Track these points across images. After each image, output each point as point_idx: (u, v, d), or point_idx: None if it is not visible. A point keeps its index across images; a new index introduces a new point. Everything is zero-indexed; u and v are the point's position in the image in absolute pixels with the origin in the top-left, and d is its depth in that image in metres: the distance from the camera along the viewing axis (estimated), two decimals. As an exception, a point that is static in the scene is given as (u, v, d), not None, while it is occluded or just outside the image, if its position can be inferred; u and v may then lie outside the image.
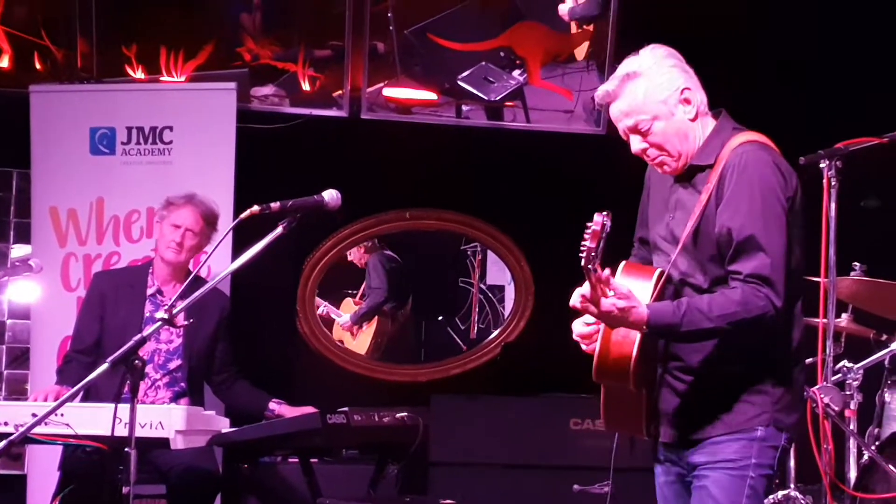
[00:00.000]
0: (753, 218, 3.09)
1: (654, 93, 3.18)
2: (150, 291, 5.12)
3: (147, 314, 5.00)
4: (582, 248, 2.89)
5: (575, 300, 3.04)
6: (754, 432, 3.17)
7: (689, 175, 3.25)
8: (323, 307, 7.39)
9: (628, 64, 3.22)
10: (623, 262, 3.25)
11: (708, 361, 3.20)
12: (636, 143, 3.23)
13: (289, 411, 4.93)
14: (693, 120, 3.21)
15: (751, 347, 3.18)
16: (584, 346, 3.22)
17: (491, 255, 7.30)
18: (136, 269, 5.41)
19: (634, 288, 3.10)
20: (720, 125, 3.26)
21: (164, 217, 5.14)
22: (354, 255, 7.44)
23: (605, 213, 2.90)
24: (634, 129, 3.21)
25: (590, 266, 2.90)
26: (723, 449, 3.18)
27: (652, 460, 3.40)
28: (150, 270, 5.17)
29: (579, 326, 3.21)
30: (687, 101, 3.20)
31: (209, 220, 5.14)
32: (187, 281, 3.77)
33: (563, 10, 6.62)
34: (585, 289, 2.99)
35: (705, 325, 3.05)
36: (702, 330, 3.07)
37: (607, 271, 2.97)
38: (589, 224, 2.90)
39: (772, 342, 3.20)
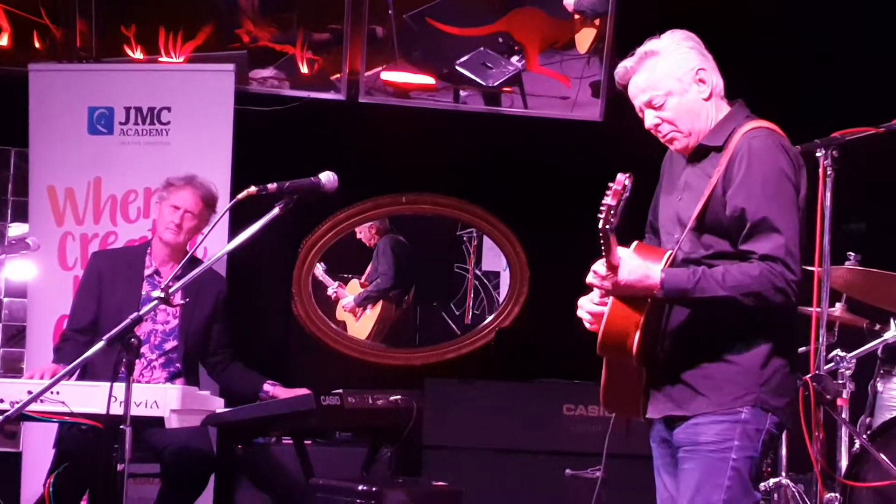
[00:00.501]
0: (767, 200, 3.16)
1: (671, 70, 3.30)
2: (147, 272, 5.12)
3: (144, 294, 5.01)
4: (602, 206, 2.96)
5: (591, 278, 3.14)
6: (738, 414, 3.20)
7: (698, 156, 3.33)
8: (332, 289, 7.39)
9: (648, 44, 3.35)
10: (635, 242, 3.29)
11: (701, 340, 3.24)
12: (650, 118, 3.33)
13: (283, 393, 4.94)
14: (707, 100, 3.32)
15: (742, 325, 3.21)
16: (588, 325, 3.27)
17: (487, 240, 7.31)
18: (133, 250, 5.41)
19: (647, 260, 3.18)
20: (734, 111, 3.36)
21: (163, 198, 5.14)
22: (364, 233, 7.41)
23: (627, 174, 2.96)
24: (649, 104, 3.32)
25: (608, 226, 2.97)
26: (705, 430, 3.22)
27: (650, 441, 3.43)
28: (148, 251, 5.17)
29: (588, 304, 3.27)
30: (702, 81, 3.32)
31: (209, 203, 5.14)
32: (184, 261, 3.78)
33: (569, 1, 6.61)
34: (600, 266, 3.05)
35: (719, 293, 3.11)
36: (715, 297, 3.11)
37: (622, 255, 3.07)
38: (611, 184, 2.97)
39: (766, 324, 3.23)
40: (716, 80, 3.35)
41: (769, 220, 3.15)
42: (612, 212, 2.95)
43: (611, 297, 3.20)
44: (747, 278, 3.12)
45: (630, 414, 3.39)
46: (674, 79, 3.30)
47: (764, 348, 3.24)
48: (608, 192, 2.97)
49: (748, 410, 3.21)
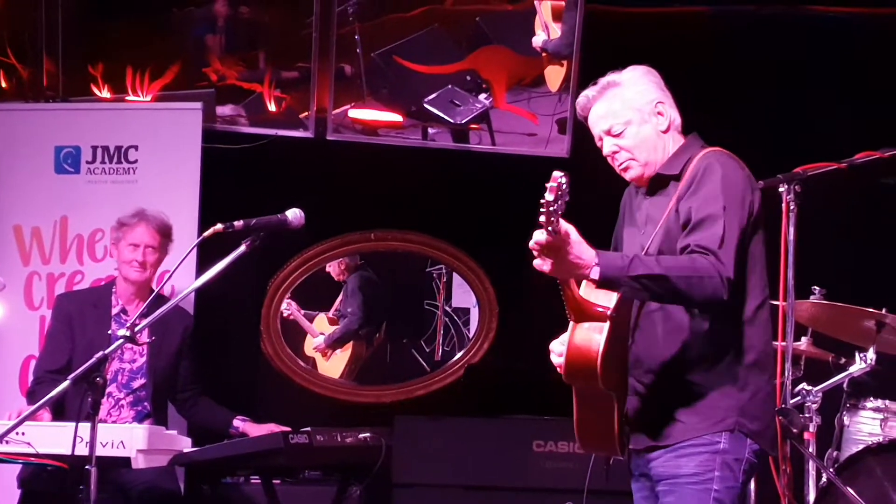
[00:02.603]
0: (712, 199, 3.22)
1: (631, 100, 3.38)
2: (114, 311, 5.11)
3: (111, 333, 4.98)
4: (541, 203, 2.96)
5: (531, 242, 3.08)
6: (716, 444, 3.21)
7: (656, 187, 3.39)
8: (303, 324, 7.36)
9: (610, 75, 3.44)
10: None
11: (672, 363, 3.26)
12: (608, 145, 3.40)
13: (253, 429, 4.93)
14: (664, 132, 3.39)
15: (716, 350, 3.24)
16: (560, 369, 3.26)
17: (456, 277, 7.31)
18: (98, 290, 5.40)
19: (599, 296, 3.19)
20: (689, 142, 3.43)
21: (119, 238, 5.15)
22: (334, 268, 7.38)
23: (562, 172, 2.97)
24: (608, 132, 3.39)
25: (550, 227, 2.97)
26: (685, 463, 3.23)
27: (628, 476, 3.44)
28: (114, 290, 5.16)
29: (558, 346, 3.27)
30: (660, 114, 3.40)
31: (164, 233, 5.16)
32: (149, 299, 3.77)
33: (537, 41, 6.66)
34: (541, 235, 3.02)
35: (654, 269, 3.09)
36: (650, 275, 3.09)
37: (568, 228, 3.02)
38: (547, 184, 2.97)
39: (736, 344, 3.26)
40: (674, 115, 3.43)
41: (711, 215, 3.19)
42: (551, 208, 2.95)
43: (571, 324, 3.20)
44: (681, 261, 3.14)
45: (608, 451, 3.38)
46: (634, 109, 3.37)
47: (742, 371, 3.26)
48: (546, 190, 2.96)
49: (726, 439, 3.22)
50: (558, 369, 3.26)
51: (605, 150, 3.41)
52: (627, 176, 3.43)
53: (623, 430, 3.32)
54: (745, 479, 3.27)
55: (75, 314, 5.14)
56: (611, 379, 3.21)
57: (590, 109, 3.41)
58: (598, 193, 3.75)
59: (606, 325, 3.18)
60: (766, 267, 3.35)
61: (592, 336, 3.17)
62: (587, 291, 3.20)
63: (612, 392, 3.25)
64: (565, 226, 3.00)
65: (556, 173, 2.95)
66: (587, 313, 3.20)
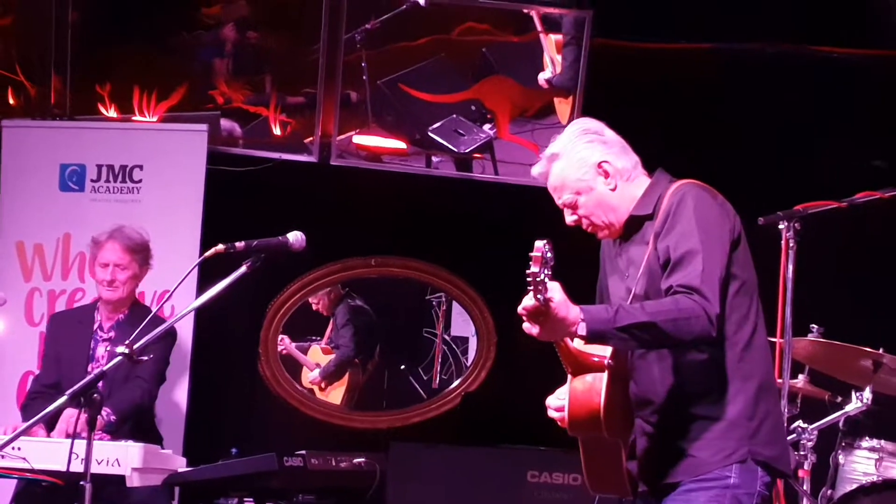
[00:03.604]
0: (688, 235, 3.19)
1: (573, 171, 3.37)
2: (95, 327, 5.13)
3: (91, 350, 5.02)
4: (528, 275, 2.97)
5: (519, 309, 3.07)
6: (727, 479, 3.19)
7: (631, 230, 3.37)
8: (298, 357, 7.35)
9: (551, 146, 3.43)
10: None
11: (676, 400, 3.25)
12: (568, 216, 3.41)
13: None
14: (614, 190, 3.36)
15: (717, 381, 3.22)
16: (561, 424, 3.25)
17: (456, 306, 7.33)
18: (84, 308, 5.43)
19: (594, 345, 3.18)
20: (655, 179, 3.41)
21: (94, 257, 5.16)
22: (320, 304, 7.37)
23: (544, 240, 2.98)
24: (564, 205, 3.40)
25: (539, 295, 2.96)
26: (696, 498, 3.20)
27: None
28: (97, 307, 5.19)
29: (554, 401, 3.28)
30: (605, 174, 3.37)
31: (134, 249, 5.13)
32: (149, 317, 3.78)
33: (542, 78, 6.69)
34: (529, 301, 3.02)
35: (640, 317, 3.07)
36: (637, 323, 3.07)
37: (552, 287, 3.01)
38: (531, 253, 2.98)
39: (738, 373, 3.24)
40: (623, 164, 3.38)
41: (689, 251, 3.17)
42: (537, 278, 2.95)
43: (569, 377, 3.20)
44: (665, 304, 3.12)
45: (618, 493, 3.37)
46: (578, 178, 3.35)
47: (748, 399, 3.23)
48: (531, 261, 2.97)
49: (737, 473, 3.19)
50: (559, 423, 3.26)
51: (567, 221, 3.41)
52: (600, 237, 3.44)
53: (631, 471, 3.31)
54: None
55: (60, 334, 5.19)
56: (615, 426, 3.22)
57: (545, 183, 3.43)
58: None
59: (605, 374, 3.18)
60: (758, 291, 3.33)
61: (592, 387, 3.17)
62: (581, 342, 3.18)
63: (617, 439, 3.26)
64: (550, 285, 2.99)
65: (538, 243, 2.97)
66: (584, 365, 3.20)
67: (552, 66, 6.65)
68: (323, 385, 7.38)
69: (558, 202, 3.41)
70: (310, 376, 7.34)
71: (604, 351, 3.20)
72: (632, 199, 3.37)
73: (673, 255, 3.19)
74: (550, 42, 6.62)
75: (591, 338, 3.08)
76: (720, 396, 3.23)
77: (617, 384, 3.23)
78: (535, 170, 3.44)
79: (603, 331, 3.07)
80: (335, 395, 7.35)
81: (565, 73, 6.59)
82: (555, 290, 2.99)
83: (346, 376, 7.40)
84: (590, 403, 3.17)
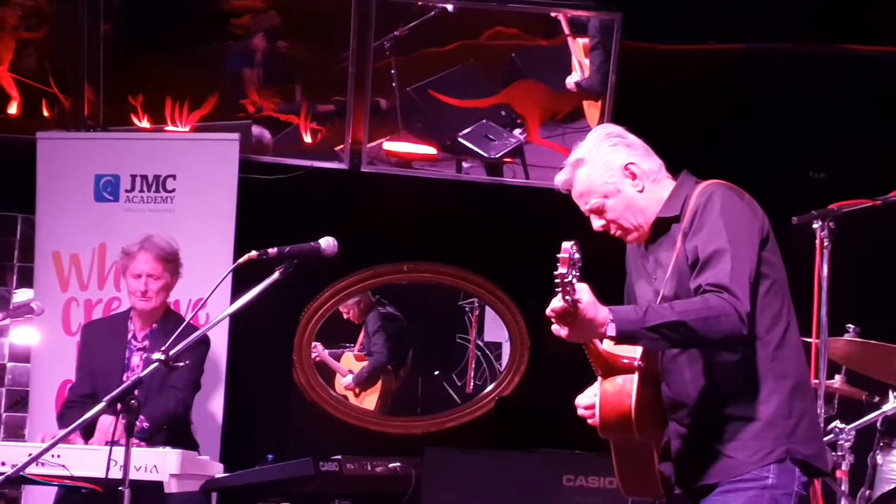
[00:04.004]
0: (716, 234, 3.18)
1: (600, 174, 3.34)
2: (129, 336, 5.16)
3: (126, 359, 5.05)
4: (556, 276, 2.95)
5: (548, 310, 3.05)
6: (765, 480, 3.17)
7: (658, 232, 3.36)
8: (332, 364, 7.38)
9: (574, 152, 3.40)
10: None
11: (710, 401, 3.23)
12: (596, 222, 3.38)
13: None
14: (641, 191, 3.35)
15: (751, 381, 3.20)
16: (590, 421, 3.25)
17: (489, 311, 7.33)
18: (117, 317, 5.46)
19: (624, 347, 3.17)
20: (681, 181, 3.39)
21: (125, 268, 5.18)
22: (350, 313, 7.40)
23: (572, 241, 2.97)
24: (591, 210, 3.37)
25: (567, 297, 2.95)
26: (734, 499, 3.18)
27: None
28: (130, 316, 5.22)
29: (583, 400, 3.27)
30: (633, 175, 3.35)
31: (167, 259, 5.15)
32: (183, 325, 3.81)
33: (570, 81, 6.69)
34: (557, 302, 3.01)
35: (670, 317, 3.05)
36: (666, 323, 3.05)
37: (581, 288, 2.99)
38: (558, 255, 2.97)
39: (772, 373, 3.22)
40: (649, 166, 3.37)
41: (717, 251, 3.15)
42: (565, 279, 2.94)
43: (599, 379, 3.20)
44: (695, 304, 3.10)
45: (652, 496, 3.35)
46: (605, 181, 3.33)
47: (782, 397, 3.21)
48: (558, 263, 2.95)
49: (775, 473, 3.17)
50: (588, 422, 3.26)
51: (595, 227, 3.39)
52: (628, 241, 3.42)
53: (664, 473, 3.30)
54: None
55: (93, 343, 5.22)
56: (646, 428, 3.21)
57: (569, 190, 3.40)
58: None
59: (635, 376, 3.17)
60: (788, 289, 3.30)
61: (623, 389, 3.16)
62: (610, 344, 3.18)
63: (649, 441, 3.25)
64: (578, 287, 2.98)
65: (565, 244, 2.95)
66: (614, 366, 3.20)
67: (580, 69, 6.65)
68: (357, 391, 7.41)
69: (584, 208, 3.38)
70: (343, 381, 7.37)
71: (634, 353, 3.19)
72: (658, 201, 3.35)
73: (701, 254, 3.18)
74: (578, 45, 6.62)
75: (620, 338, 3.07)
76: (754, 396, 3.21)
77: (647, 386, 3.22)
78: (560, 177, 3.40)
79: (632, 331, 3.05)
80: (369, 401, 7.37)
81: (594, 76, 6.59)
82: (583, 292, 2.98)
83: (379, 383, 7.43)
84: (621, 405, 3.16)
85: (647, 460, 3.27)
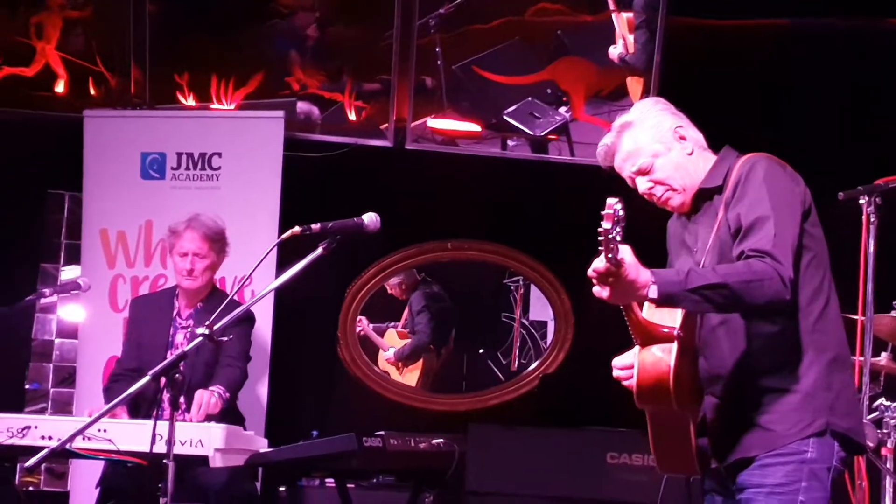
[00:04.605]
0: (759, 202, 3.16)
1: (651, 134, 3.34)
2: (174, 313, 5.20)
3: (170, 336, 5.09)
4: (599, 232, 2.93)
5: (590, 271, 3.03)
6: (804, 454, 3.15)
7: (700, 203, 3.35)
8: (375, 339, 7.41)
9: (621, 118, 3.40)
10: None
11: (748, 374, 3.21)
12: (642, 184, 3.36)
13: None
14: (690, 154, 3.35)
15: (790, 354, 3.19)
16: (625, 383, 3.24)
17: (534, 289, 7.33)
18: (164, 293, 5.49)
19: (664, 316, 3.17)
20: (724, 154, 3.39)
21: (172, 246, 5.20)
22: (395, 289, 7.42)
23: (617, 198, 2.94)
24: (639, 172, 3.35)
25: (609, 254, 2.93)
26: (772, 472, 3.16)
27: (701, 493, 3.39)
28: (176, 293, 5.26)
29: (619, 361, 3.25)
30: (682, 138, 3.36)
31: (213, 238, 5.16)
32: (226, 300, 3.84)
33: (613, 53, 6.66)
34: (599, 263, 2.99)
35: (712, 279, 3.03)
36: (708, 284, 3.03)
37: (623, 249, 2.97)
38: (603, 211, 2.94)
39: (812, 346, 3.20)
40: (695, 135, 3.38)
41: (760, 217, 3.14)
42: (609, 235, 2.92)
43: (637, 347, 3.18)
44: (738, 267, 3.08)
45: (687, 471, 3.34)
46: (655, 141, 3.33)
47: (821, 370, 3.19)
48: (602, 219, 2.93)
49: (814, 447, 3.15)
50: (623, 383, 3.24)
51: (641, 189, 3.36)
52: (670, 206, 3.39)
53: (701, 447, 3.28)
54: (834, 487, 3.18)
55: (140, 318, 5.26)
56: (684, 398, 3.19)
57: (613, 156, 3.37)
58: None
59: (674, 345, 3.15)
60: (829, 263, 3.27)
61: (661, 357, 3.14)
62: (650, 313, 3.17)
63: (685, 411, 3.23)
64: (621, 248, 2.96)
65: (611, 200, 2.92)
66: (653, 335, 3.17)
67: (624, 44, 6.61)
68: (399, 366, 7.44)
69: (631, 170, 3.35)
70: (385, 355, 7.40)
71: (673, 321, 3.17)
72: (703, 171, 3.35)
73: (744, 221, 3.16)
74: (622, 20, 6.58)
75: (661, 301, 3.05)
76: (794, 368, 3.18)
77: (686, 356, 3.20)
78: (606, 140, 3.38)
79: (674, 293, 3.03)
80: (410, 377, 7.40)
81: (639, 51, 6.55)
82: (626, 252, 2.97)
83: (421, 361, 7.46)
84: (659, 374, 3.14)
85: (684, 434, 3.25)
